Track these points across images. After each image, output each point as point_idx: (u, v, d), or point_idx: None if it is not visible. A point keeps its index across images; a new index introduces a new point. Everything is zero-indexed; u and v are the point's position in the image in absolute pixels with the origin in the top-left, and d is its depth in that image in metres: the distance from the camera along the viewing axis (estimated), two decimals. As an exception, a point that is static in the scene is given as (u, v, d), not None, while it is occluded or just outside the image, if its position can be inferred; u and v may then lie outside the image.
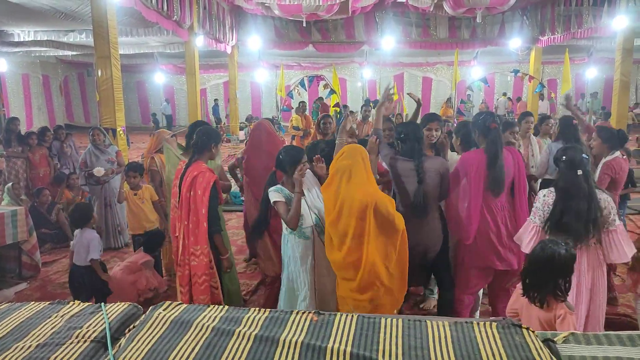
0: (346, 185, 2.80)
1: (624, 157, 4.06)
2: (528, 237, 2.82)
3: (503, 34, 14.76)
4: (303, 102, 11.07)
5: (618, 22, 9.95)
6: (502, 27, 14.73)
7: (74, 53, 14.58)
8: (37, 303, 1.66)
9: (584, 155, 2.78)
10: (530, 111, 6.07)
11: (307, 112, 10.95)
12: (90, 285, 3.84)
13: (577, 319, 2.49)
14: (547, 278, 2.22)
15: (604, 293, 2.78)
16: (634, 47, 10.49)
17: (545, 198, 2.80)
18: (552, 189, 2.82)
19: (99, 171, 5.55)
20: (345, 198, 2.78)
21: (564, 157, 2.79)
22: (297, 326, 1.46)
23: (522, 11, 14.44)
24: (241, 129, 16.37)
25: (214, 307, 1.57)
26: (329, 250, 2.92)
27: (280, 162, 3.19)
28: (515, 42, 14.52)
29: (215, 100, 20.73)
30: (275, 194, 3.09)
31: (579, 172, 2.70)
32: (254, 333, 1.40)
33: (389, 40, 14.46)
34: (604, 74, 19.34)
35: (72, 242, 3.98)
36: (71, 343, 1.38)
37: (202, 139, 3.31)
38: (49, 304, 1.65)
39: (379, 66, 17.10)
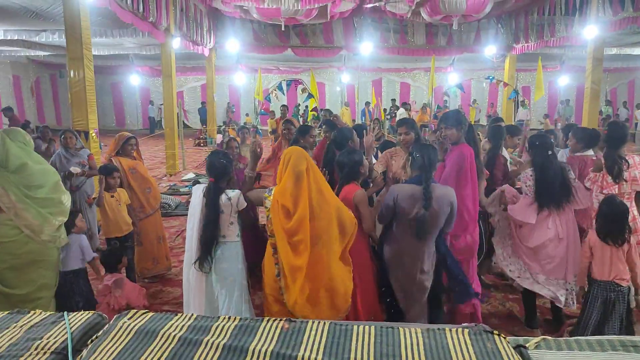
0: (316, 192, 2.77)
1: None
2: (530, 209, 3.47)
3: (479, 41, 15.01)
4: (284, 105, 11.13)
5: (588, 32, 10.21)
6: (478, 34, 14.99)
7: (46, 53, 14.20)
8: (-6, 313, 1.58)
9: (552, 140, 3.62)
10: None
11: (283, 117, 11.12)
12: (79, 291, 3.69)
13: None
14: (622, 225, 3.05)
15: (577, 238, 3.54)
16: (604, 56, 10.80)
17: (528, 180, 3.54)
18: (529, 170, 3.52)
19: (75, 170, 5.33)
20: (317, 203, 2.75)
21: (537, 142, 3.51)
22: (268, 334, 1.42)
23: (497, 19, 14.72)
24: (219, 132, 16.19)
25: (181, 315, 1.52)
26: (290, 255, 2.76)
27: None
28: (490, 49, 14.78)
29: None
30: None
31: (549, 152, 3.46)
32: (222, 342, 1.36)
33: (367, 45, 14.54)
34: (576, 82, 19.80)
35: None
36: (30, 355, 1.31)
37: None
38: (8, 313, 1.57)
39: (357, 71, 17.15)
